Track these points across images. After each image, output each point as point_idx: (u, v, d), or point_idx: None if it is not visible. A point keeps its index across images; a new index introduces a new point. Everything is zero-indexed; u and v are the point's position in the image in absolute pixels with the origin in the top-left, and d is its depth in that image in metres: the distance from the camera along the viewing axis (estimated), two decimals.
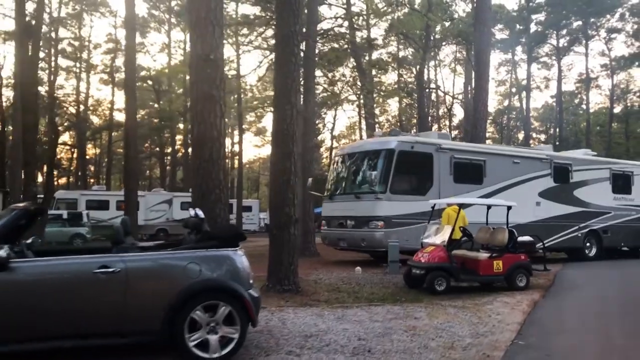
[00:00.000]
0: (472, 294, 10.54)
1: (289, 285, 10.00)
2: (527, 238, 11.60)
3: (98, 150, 54.09)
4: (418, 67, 32.48)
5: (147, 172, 54.25)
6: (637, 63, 44.94)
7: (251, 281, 5.63)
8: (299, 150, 20.36)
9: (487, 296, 10.33)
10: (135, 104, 20.20)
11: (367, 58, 39.21)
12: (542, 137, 64.16)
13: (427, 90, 42.94)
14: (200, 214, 6.01)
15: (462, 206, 11.62)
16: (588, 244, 17.51)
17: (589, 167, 18.07)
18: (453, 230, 10.91)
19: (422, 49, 27.57)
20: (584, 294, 10.80)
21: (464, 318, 8.19)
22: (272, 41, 24.15)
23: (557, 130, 51.11)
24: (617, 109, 55.67)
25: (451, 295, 10.35)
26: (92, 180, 49.87)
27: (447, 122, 52.57)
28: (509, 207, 11.58)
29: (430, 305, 9.26)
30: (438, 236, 11.29)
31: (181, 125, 44.01)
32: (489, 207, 12.27)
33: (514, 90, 54.30)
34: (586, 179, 17.71)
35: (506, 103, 56.46)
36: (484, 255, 11.09)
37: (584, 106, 54.99)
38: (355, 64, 35.07)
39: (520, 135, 52.85)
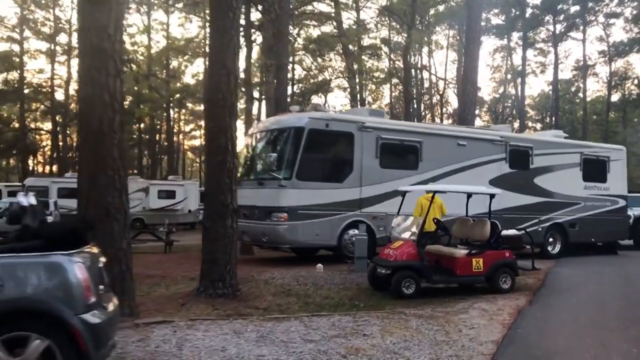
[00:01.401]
0: (446, 299, 8.78)
1: (224, 289, 8.22)
2: (512, 232, 9.81)
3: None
4: (404, 44, 30.26)
5: (135, 161, 52.29)
6: (636, 48, 42.86)
7: (92, 300, 3.81)
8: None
9: (463, 301, 8.56)
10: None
11: (356, 43, 37.44)
12: (538, 126, 62.36)
13: (413, 70, 40.89)
14: (24, 200, 4.17)
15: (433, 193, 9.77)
16: (551, 240, 14.98)
17: (555, 150, 15.44)
18: (425, 222, 9.11)
19: (408, 24, 25.58)
20: (578, 299, 9.00)
21: (427, 334, 6.41)
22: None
23: (553, 118, 49.15)
24: (615, 97, 53.81)
25: (421, 299, 8.61)
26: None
27: (440, 110, 50.67)
28: (492, 196, 9.76)
29: (391, 314, 7.48)
30: (408, 229, 9.49)
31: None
32: (469, 195, 10.45)
33: (509, 77, 52.29)
34: (550, 164, 15.15)
35: (501, 90, 54.44)
36: (461, 252, 9.30)
37: (580, 94, 53.05)
38: (342, 48, 33.23)
39: (516, 124, 50.87)
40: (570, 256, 15.61)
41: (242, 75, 17.06)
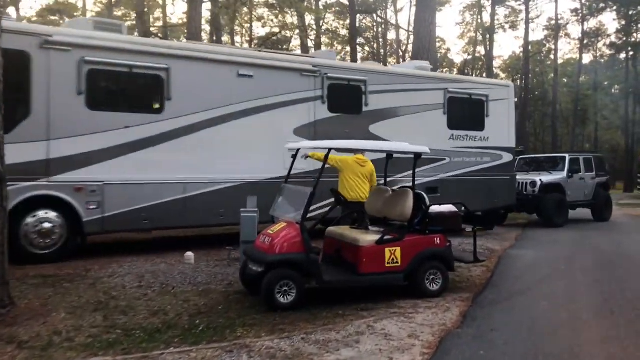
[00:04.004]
0: (341, 310, 5.65)
1: None
2: (447, 208, 6.63)
3: None
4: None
5: None
6: (610, 4, 39.64)
7: None
8: None
9: (363, 315, 5.48)
10: None
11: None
12: None
13: (360, 13, 37.15)
14: None
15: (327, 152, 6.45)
16: None
17: (404, 87, 10.92)
18: (313, 194, 5.87)
19: None
20: (539, 311, 5.91)
21: None
22: None
23: (524, 81, 46.06)
24: (586, 60, 51.05)
25: (305, 311, 5.55)
26: None
27: None
28: (417, 156, 6.56)
29: (226, 352, 4.33)
30: (294, 204, 6.28)
31: None
32: (389, 155, 7.27)
33: (479, 38, 48.91)
34: (396, 106, 10.79)
35: (471, 50, 51.12)
36: (368, 237, 6.13)
37: (552, 57, 50.00)
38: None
39: None
40: (536, 229, 12.76)
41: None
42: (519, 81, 53.79)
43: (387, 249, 6.07)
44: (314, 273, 5.77)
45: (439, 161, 11.22)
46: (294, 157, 6.66)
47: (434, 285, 6.27)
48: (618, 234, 12.68)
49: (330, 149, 6.07)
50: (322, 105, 9.98)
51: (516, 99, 48.69)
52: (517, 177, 14.34)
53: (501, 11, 45.26)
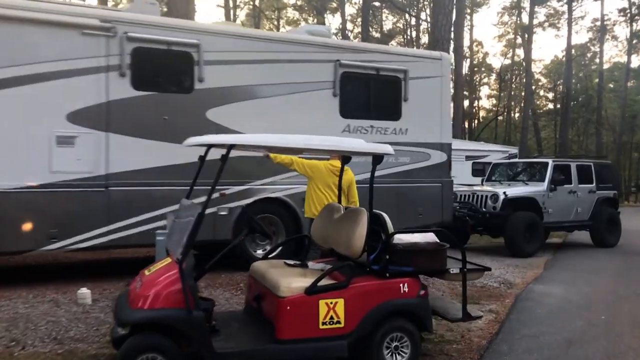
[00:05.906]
0: None
1: None
2: (423, 237, 4.31)
3: None
4: None
5: None
6: None
7: None
8: None
9: None
10: None
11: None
12: (550, 95, 55.64)
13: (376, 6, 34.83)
14: None
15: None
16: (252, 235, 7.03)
17: (269, 56, 7.58)
18: (202, 215, 3.70)
19: None
20: None
21: None
22: None
23: (566, 85, 42.56)
24: (635, 63, 47.13)
25: None
26: None
27: None
28: (377, 159, 4.27)
29: None
30: (182, 232, 4.10)
31: None
32: (346, 158, 5.07)
33: (519, 41, 45.75)
34: (254, 83, 7.49)
35: (510, 54, 48.01)
36: (293, 283, 3.91)
37: (597, 60, 46.30)
38: None
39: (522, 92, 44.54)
40: (571, 251, 10.21)
41: None
42: (561, 86, 50.26)
43: (322, 302, 3.86)
44: (198, 340, 3.61)
45: None
46: (202, 158, 4.48)
47: (398, 356, 4.01)
48: None
49: (231, 146, 3.88)
50: (121, 80, 6.70)
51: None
52: (478, 188, 11.12)
53: (542, 11, 42.19)
